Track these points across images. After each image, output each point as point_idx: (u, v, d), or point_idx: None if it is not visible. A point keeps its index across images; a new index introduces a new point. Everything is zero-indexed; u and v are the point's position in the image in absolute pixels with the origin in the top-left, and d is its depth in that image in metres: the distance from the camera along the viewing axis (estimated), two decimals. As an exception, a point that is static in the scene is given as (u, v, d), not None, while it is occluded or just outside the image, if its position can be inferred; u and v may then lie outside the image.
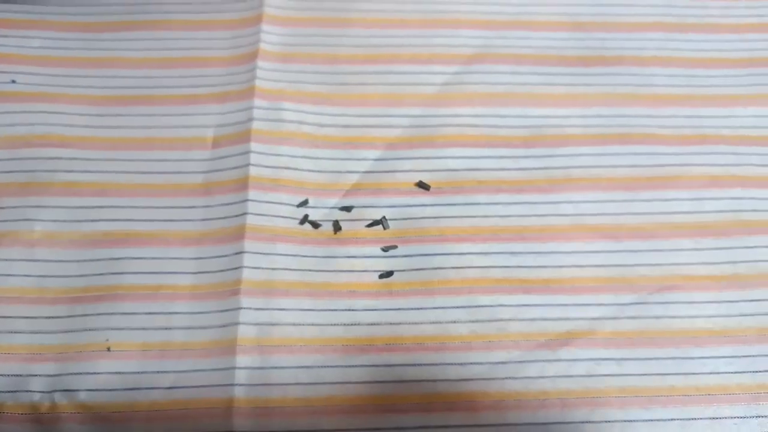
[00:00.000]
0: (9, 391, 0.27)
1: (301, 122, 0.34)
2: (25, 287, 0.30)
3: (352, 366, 0.28)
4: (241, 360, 0.28)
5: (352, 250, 0.31)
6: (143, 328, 0.29)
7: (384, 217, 0.31)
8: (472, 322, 0.29)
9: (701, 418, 0.27)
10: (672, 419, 0.27)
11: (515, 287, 0.30)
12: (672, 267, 0.31)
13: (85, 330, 0.29)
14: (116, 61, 0.36)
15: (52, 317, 0.29)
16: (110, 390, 0.27)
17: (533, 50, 0.37)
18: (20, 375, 0.28)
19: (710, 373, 0.28)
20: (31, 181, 0.32)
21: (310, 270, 0.30)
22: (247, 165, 0.32)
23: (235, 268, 0.30)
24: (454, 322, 0.29)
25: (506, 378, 0.28)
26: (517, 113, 0.35)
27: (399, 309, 0.29)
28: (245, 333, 0.28)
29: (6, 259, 0.30)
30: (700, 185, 0.33)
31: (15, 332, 0.29)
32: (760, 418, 0.27)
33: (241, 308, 0.29)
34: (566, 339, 0.29)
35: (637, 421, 0.27)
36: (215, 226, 0.31)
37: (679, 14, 0.38)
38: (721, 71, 0.36)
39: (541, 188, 0.32)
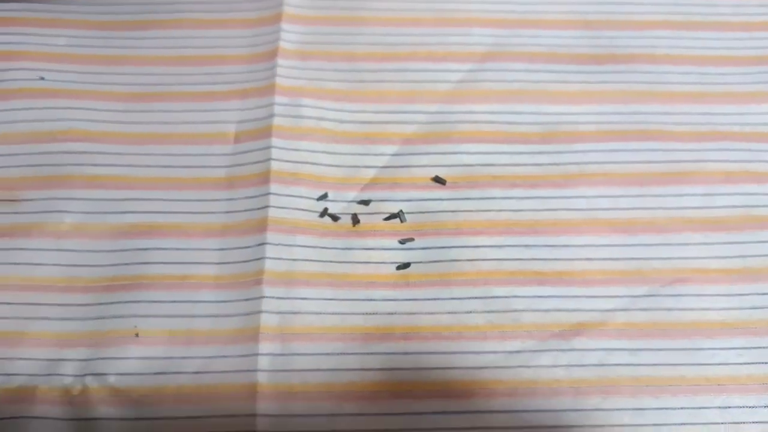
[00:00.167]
0: (42, 375, 0.28)
1: (320, 118, 0.35)
2: (55, 276, 0.30)
3: (371, 353, 0.29)
4: (264, 347, 0.28)
5: (371, 242, 0.31)
6: (169, 316, 0.29)
7: (401, 211, 0.32)
8: (488, 312, 0.29)
9: (711, 407, 0.28)
10: (682, 408, 0.28)
11: (529, 279, 0.30)
12: (684, 261, 0.31)
13: (114, 317, 0.29)
14: (139, 59, 0.36)
15: (82, 305, 0.30)
16: (139, 374, 0.28)
17: (546, 48, 0.37)
18: (52, 360, 0.28)
19: (720, 364, 0.29)
20: (59, 174, 0.33)
21: (330, 261, 0.31)
22: (269, 160, 0.33)
23: (258, 259, 0.30)
24: (470, 312, 0.29)
25: (520, 366, 0.28)
26: (531, 110, 0.35)
27: (416, 299, 0.30)
28: (268, 321, 0.29)
29: (36, 249, 0.31)
30: (713, 181, 0.33)
31: (46, 319, 0.29)
32: None
33: (264, 297, 0.29)
34: (579, 329, 0.29)
35: (647, 409, 0.28)
36: (238, 218, 0.32)
37: (689, 12, 0.39)
38: (734, 69, 0.37)
39: (555, 183, 0.33)
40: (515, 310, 0.30)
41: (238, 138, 0.34)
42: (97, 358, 0.28)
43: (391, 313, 0.30)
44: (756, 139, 0.34)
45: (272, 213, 0.31)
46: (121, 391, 0.28)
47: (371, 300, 0.30)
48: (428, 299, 0.30)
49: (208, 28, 0.38)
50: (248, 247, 0.31)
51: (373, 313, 0.30)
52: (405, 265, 0.31)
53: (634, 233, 0.32)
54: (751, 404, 0.28)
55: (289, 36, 0.37)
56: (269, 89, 0.35)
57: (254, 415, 0.27)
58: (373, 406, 0.28)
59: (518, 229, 0.32)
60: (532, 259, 0.31)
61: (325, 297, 0.30)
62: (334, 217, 0.32)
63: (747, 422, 0.27)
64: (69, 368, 0.28)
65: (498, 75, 0.36)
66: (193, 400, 0.28)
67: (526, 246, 0.31)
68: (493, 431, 0.27)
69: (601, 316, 0.30)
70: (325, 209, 0.32)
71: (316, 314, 0.30)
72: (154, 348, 0.29)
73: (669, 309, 0.30)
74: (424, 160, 0.33)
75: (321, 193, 0.33)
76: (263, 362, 0.28)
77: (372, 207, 0.32)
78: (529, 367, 0.28)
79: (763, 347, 0.29)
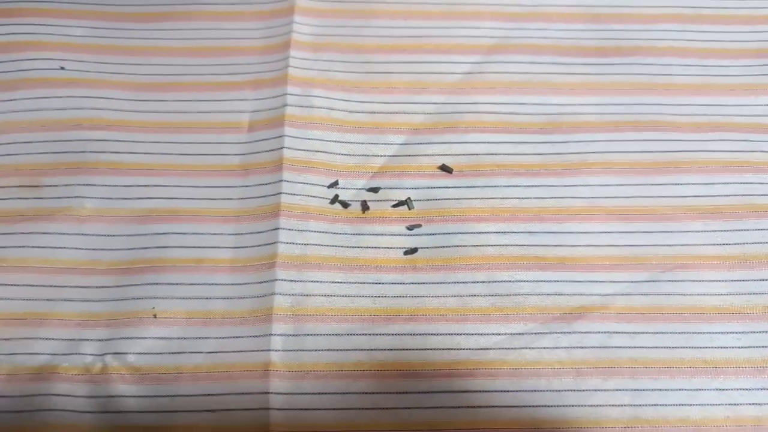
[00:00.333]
0: (64, 354, 0.29)
1: (331, 108, 0.35)
2: (78, 259, 0.31)
3: (379, 334, 0.29)
4: (277, 327, 0.29)
5: (379, 228, 0.32)
6: (186, 298, 0.30)
7: (409, 198, 0.33)
8: (492, 296, 0.30)
9: (708, 389, 0.28)
10: (680, 389, 0.28)
11: (532, 264, 0.31)
12: (683, 247, 0.31)
13: (133, 299, 0.30)
14: (157, 50, 0.37)
15: (103, 287, 0.31)
16: (157, 353, 0.29)
17: (551, 41, 0.38)
18: (74, 339, 0.29)
19: (718, 348, 0.29)
20: (80, 161, 0.34)
21: (340, 246, 0.32)
22: (282, 148, 0.34)
23: (271, 243, 0.31)
24: (475, 296, 0.30)
25: (523, 348, 0.29)
26: (535, 101, 0.36)
27: (422, 283, 0.31)
28: (281, 303, 0.30)
29: (59, 233, 0.32)
30: (713, 170, 0.33)
31: (68, 300, 0.30)
32: (765, 390, 0.28)
33: (277, 280, 0.30)
34: (581, 313, 0.30)
35: (646, 390, 0.28)
36: (252, 204, 0.33)
37: (693, 5, 0.39)
38: (735, 61, 0.37)
39: (557, 172, 0.33)
40: (519, 294, 0.30)
41: (252, 127, 0.35)
42: (117, 338, 0.29)
43: (399, 296, 0.30)
44: (755, 130, 0.35)
45: (285, 199, 0.32)
46: (139, 370, 0.29)
47: (380, 283, 0.31)
48: (434, 283, 0.31)
49: (224, 20, 0.38)
50: (262, 232, 0.32)
51: (382, 296, 0.30)
52: (412, 250, 0.32)
53: (635, 221, 0.32)
54: (748, 386, 0.28)
55: (302, 28, 0.38)
56: (282, 80, 0.36)
57: (267, 393, 0.28)
58: (381, 384, 0.28)
59: (522, 216, 0.32)
60: (535, 245, 0.31)
61: (335, 280, 0.31)
62: (345, 204, 0.33)
63: (743, 404, 0.28)
64: (89, 348, 0.29)
65: (504, 67, 0.37)
66: (208, 378, 0.28)
67: (529, 233, 0.32)
68: (497, 409, 0.28)
69: (601, 300, 0.30)
70: (336, 196, 0.33)
71: (326, 296, 0.30)
72: (172, 328, 0.30)
73: (668, 294, 0.30)
74: (432, 149, 0.34)
75: (332, 180, 0.33)
76: (276, 342, 0.29)
77: (381, 194, 0.33)
78: (531, 348, 0.29)
79: (760, 332, 0.30)
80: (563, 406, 0.28)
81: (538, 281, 0.31)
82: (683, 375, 0.29)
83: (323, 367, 0.29)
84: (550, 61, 0.37)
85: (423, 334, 0.30)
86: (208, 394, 0.28)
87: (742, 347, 0.29)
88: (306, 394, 0.28)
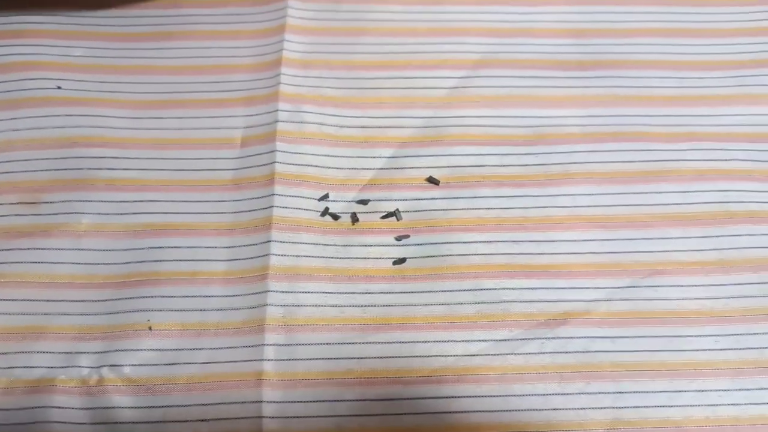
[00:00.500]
0: (61, 367, 0.29)
1: (321, 124, 0.36)
2: (75, 273, 0.32)
3: (369, 342, 0.30)
4: (269, 337, 0.30)
5: (369, 239, 0.33)
6: (181, 310, 0.31)
7: (397, 210, 0.34)
8: (478, 303, 0.31)
9: (688, 391, 0.29)
10: (661, 391, 0.29)
11: (517, 272, 0.32)
12: (662, 254, 0.32)
13: (129, 311, 0.31)
14: (151, 69, 0.38)
15: (99, 300, 0.31)
16: (152, 365, 0.29)
17: (535, 56, 0.39)
18: (70, 352, 0.30)
19: (697, 350, 0.30)
20: (78, 178, 0.34)
21: (330, 257, 0.32)
22: (273, 163, 0.34)
23: (263, 256, 0.32)
24: (461, 303, 0.31)
25: (509, 354, 0.30)
26: (519, 114, 0.37)
27: (411, 292, 0.31)
28: (273, 313, 0.30)
29: (57, 249, 0.32)
30: (689, 179, 0.34)
31: (66, 314, 0.31)
32: (743, 391, 0.29)
33: (269, 291, 0.31)
34: (564, 319, 0.31)
35: (627, 392, 0.29)
36: (245, 218, 0.34)
37: (670, 20, 0.40)
38: (710, 73, 0.38)
39: (540, 183, 0.34)
40: (504, 301, 0.31)
41: (244, 143, 0.36)
42: (113, 351, 0.30)
43: (388, 305, 0.31)
44: (729, 139, 0.36)
45: (276, 212, 0.33)
46: (135, 381, 0.29)
47: (369, 293, 0.31)
48: (422, 292, 0.31)
49: (217, 39, 0.39)
50: (254, 244, 0.33)
51: (371, 305, 0.31)
52: (401, 261, 0.32)
53: (615, 228, 0.33)
54: (726, 387, 0.29)
55: (292, 46, 0.39)
56: (273, 96, 0.37)
57: (260, 402, 0.28)
58: (371, 391, 0.29)
59: (506, 226, 0.33)
60: (519, 253, 0.32)
61: (326, 290, 0.31)
62: (335, 216, 0.34)
63: (722, 404, 0.29)
64: (86, 360, 0.30)
65: (488, 81, 0.38)
66: (203, 388, 0.29)
67: (514, 241, 0.33)
68: (484, 413, 0.29)
69: (584, 306, 0.31)
70: (326, 209, 0.34)
71: (317, 306, 0.31)
72: (167, 340, 0.30)
73: (648, 299, 0.31)
74: (419, 162, 0.35)
75: (322, 193, 0.34)
76: (269, 352, 0.30)
77: (370, 206, 0.34)
78: (517, 354, 0.30)
79: (737, 334, 0.30)
80: (548, 409, 0.29)
81: (523, 289, 0.31)
82: (663, 377, 0.30)
83: (315, 375, 0.29)
84: (534, 75, 0.38)
85: (411, 341, 0.30)
86: (203, 404, 0.29)
87: (720, 349, 0.30)
88: (298, 402, 0.29)
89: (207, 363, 0.30)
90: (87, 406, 0.29)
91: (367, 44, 0.39)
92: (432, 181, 0.35)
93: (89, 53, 0.39)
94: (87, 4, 0.40)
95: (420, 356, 0.30)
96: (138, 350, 0.30)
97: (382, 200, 0.34)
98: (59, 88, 0.37)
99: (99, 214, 0.34)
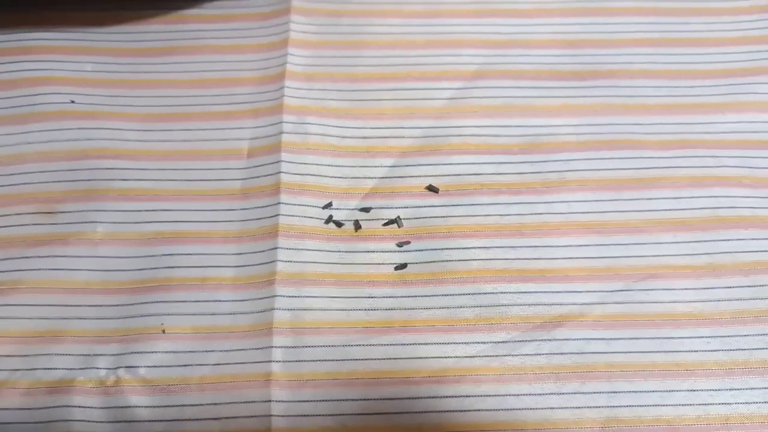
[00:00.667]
0: (80, 368, 0.31)
1: (324, 135, 0.37)
2: (91, 280, 0.33)
3: (373, 345, 0.31)
4: (277, 340, 0.31)
5: (371, 245, 0.34)
6: (193, 314, 0.32)
7: (398, 217, 0.35)
8: (477, 307, 0.32)
9: (679, 391, 0.30)
10: (653, 391, 0.30)
11: (514, 277, 0.33)
12: (654, 258, 0.33)
13: (143, 316, 0.32)
14: (160, 83, 0.39)
15: (115, 305, 0.32)
16: (166, 366, 0.31)
17: (531, 66, 0.40)
18: (89, 355, 0.31)
19: (688, 351, 0.31)
20: (92, 188, 0.35)
21: (335, 263, 0.33)
22: (279, 173, 0.36)
23: (270, 262, 0.33)
24: (461, 307, 0.32)
25: (506, 355, 0.31)
26: (515, 123, 0.38)
27: (412, 296, 0.33)
28: (280, 317, 0.32)
29: (74, 256, 0.34)
30: (681, 185, 0.35)
31: (83, 318, 0.32)
32: (733, 390, 0.30)
33: (277, 296, 0.32)
34: (559, 321, 0.32)
35: (621, 392, 0.30)
36: (252, 226, 0.35)
37: (663, 30, 0.41)
38: (702, 82, 0.39)
39: (537, 190, 0.35)
40: (502, 305, 0.32)
41: (251, 153, 0.37)
42: (129, 353, 0.31)
43: (390, 309, 0.32)
44: (720, 146, 0.37)
45: (282, 220, 0.34)
46: (150, 382, 0.30)
47: (372, 297, 0.32)
48: (423, 296, 0.32)
49: (223, 53, 0.40)
50: (262, 251, 0.34)
51: (374, 309, 0.32)
52: (402, 266, 0.33)
53: (610, 234, 0.34)
54: (717, 387, 0.30)
55: (296, 59, 0.40)
56: (278, 109, 0.38)
57: (269, 401, 0.30)
58: (375, 391, 0.30)
59: (504, 232, 0.34)
60: (517, 258, 0.33)
61: (331, 295, 0.32)
62: (338, 224, 0.35)
63: (713, 404, 0.30)
64: (103, 362, 0.31)
65: (485, 92, 0.39)
66: (214, 388, 0.30)
67: (511, 247, 0.34)
68: (483, 412, 0.30)
69: (579, 309, 0.32)
70: (330, 216, 0.35)
71: (323, 310, 0.32)
72: (179, 342, 0.31)
73: (641, 302, 0.32)
74: (419, 170, 0.36)
75: (326, 202, 0.35)
76: (277, 354, 0.31)
77: (372, 214, 0.35)
78: (514, 355, 0.31)
79: (728, 336, 0.31)
80: (544, 408, 0.30)
81: (520, 292, 0.32)
82: (656, 377, 0.30)
83: (321, 376, 0.30)
84: (530, 86, 0.39)
85: (413, 344, 0.31)
86: (214, 403, 0.30)
87: (711, 350, 0.31)
88: (305, 401, 0.30)
89: (218, 364, 0.31)
90: (105, 405, 0.30)
91: (368, 57, 0.40)
92: (432, 189, 0.36)
93: (100, 68, 0.40)
94: (96, 21, 0.41)
95: (421, 358, 0.31)
96: (152, 352, 0.31)
97: (384, 208, 0.35)
98: (73, 102, 0.38)
99: (113, 222, 0.35)
